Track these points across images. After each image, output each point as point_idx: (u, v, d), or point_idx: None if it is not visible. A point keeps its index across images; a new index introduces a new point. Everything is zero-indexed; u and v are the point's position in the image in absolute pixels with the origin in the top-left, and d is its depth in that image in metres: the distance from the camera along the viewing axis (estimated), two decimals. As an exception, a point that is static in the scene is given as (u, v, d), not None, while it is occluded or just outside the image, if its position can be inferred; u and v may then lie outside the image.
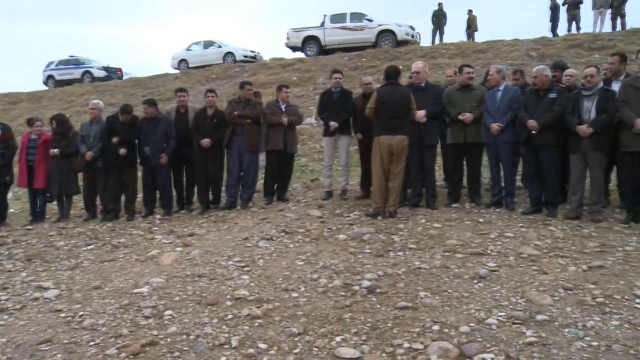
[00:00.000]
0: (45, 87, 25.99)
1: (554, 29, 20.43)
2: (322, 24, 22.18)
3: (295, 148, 8.78)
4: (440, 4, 22.58)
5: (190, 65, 23.98)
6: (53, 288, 5.39)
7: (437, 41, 22.43)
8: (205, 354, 3.66)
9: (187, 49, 25.05)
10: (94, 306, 4.74)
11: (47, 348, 3.90)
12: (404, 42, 20.91)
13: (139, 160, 8.73)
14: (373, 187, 7.18)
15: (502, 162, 7.17)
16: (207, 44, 24.69)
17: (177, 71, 23.93)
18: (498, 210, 7.03)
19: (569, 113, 6.50)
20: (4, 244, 7.52)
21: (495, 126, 6.98)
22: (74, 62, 26.64)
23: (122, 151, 8.37)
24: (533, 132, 6.62)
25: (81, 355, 3.75)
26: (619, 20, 18.52)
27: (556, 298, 4.23)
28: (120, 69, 27.16)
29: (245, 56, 24.01)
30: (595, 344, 3.46)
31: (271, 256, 5.78)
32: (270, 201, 8.44)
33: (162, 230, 7.58)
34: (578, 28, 19.97)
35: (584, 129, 6.31)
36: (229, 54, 23.85)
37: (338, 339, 3.76)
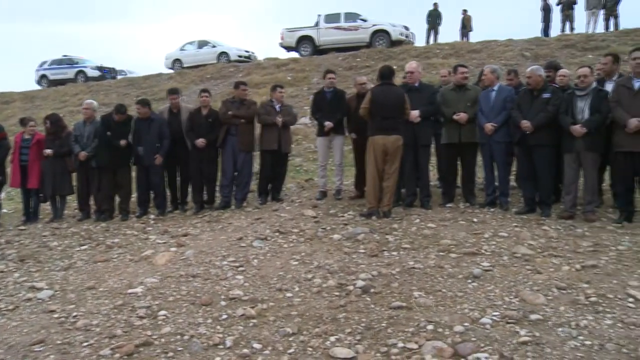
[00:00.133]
0: (38, 87, 25.85)
1: (546, 29, 20.53)
2: (317, 24, 22.16)
3: (289, 148, 8.77)
4: (435, 4, 22.64)
5: (184, 65, 23.90)
6: (46, 289, 5.37)
7: (431, 41, 22.48)
8: (199, 354, 3.66)
9: (181, 49, 24.98)
10: (88, 307, 4.72)
11: (41, 349, 3.89)
12: (398, 42, 20.92)
13: (132, 160, 8.71)
14: (367, 187, 7.18)
15: (496, 161, 7.18)
16: (201, 44, 24.64)
17: (171, 71, 23.87)
18: (492, 210, 7.05)
19: (563, 113, 6.52)
20: (-3, 245, 7.48)
21: (489, 126, 6.99)
22: (68, 62, 26.50)
23: (123, 142, 8.40)
24: (527, 132, 6.65)
25: (75, 356, 3.74)
26: (612, 21, 18.61)
27: (550, 297, 4.24)
28: (113, 69, 27.06)
29: (240, 56, 23.96)
30: (589, 343, 3.47)
31: (265, 256, 5.78)
32: (264, 201, 8.43)
33: (156, 231, 7.56)
34: (572, 28, 20.06)
35: (577, 129, 6.34)
36: (223, 53, 23.79)
37: (332, 338, 3.76)
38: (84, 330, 4.17)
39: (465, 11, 22.85)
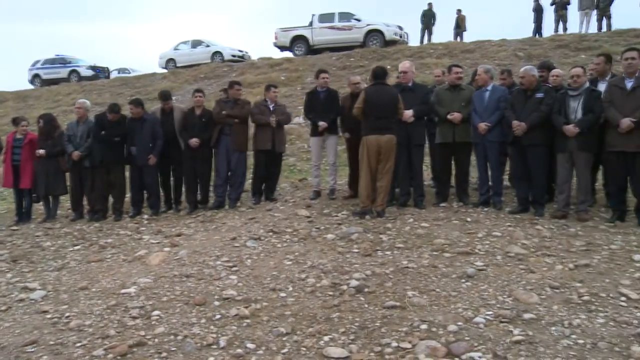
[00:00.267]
0: (31, 86, 25.73)
1: (538, 30, 20.62)
2: (311, 24, 22.15)
3: (283, 148, 8.76)
4: (430, 4, 22.70)
5: (178, 65, 23.85)
6: (39, 289, 5.34)
7: (425, 41, 22.52)
8: (193, 355, 3.64)
9: (175, 49, 24.93)
10: (81, 307, 4.70)
11: (33, 350, 3.87)
12: (392, 42, 20.95)
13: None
14: (360, 186, 7.18)
15: (490, 161, 7.20)
16: (195, 44, 24.60)
17: (165, 70, 23.81)
18: (486, 209, 7.07)
19: (556, 113, 6.55)
20: (-11, 245, 7.44)
21: (482, 125, 7.01)
22: (61, 61, 26.40)
23: (117, 138, 8.40)
24: (517, 133, 6.66)
25: (67, 357, 3.72)
26: (604, 22, 18.70)
27: (543, 296, 4.26)
28: (107, 68, 26.97)
29: (234, 55, 23.93)
30: (582, 341, 3.48)
31: (259, 256, 5.77)
32: (258, 201, 8.42)
33: (150, 231, 7.54)
34: (565, 29, 20.15)
35: (570, 129, 6.36)
36: (217, 53, 23.75)
37: (326, 338, 3.76)
38: (77, 331, 4.15)
39: (459, 11, 22.90)
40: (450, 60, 15.43)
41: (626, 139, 6.07)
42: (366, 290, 4.61)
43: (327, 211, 7.46)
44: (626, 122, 6.01)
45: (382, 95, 6.92)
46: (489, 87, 7.23)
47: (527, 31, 20.82)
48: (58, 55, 26.94)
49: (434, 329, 3.76)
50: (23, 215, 8.98)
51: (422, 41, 22.61)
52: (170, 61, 24.43)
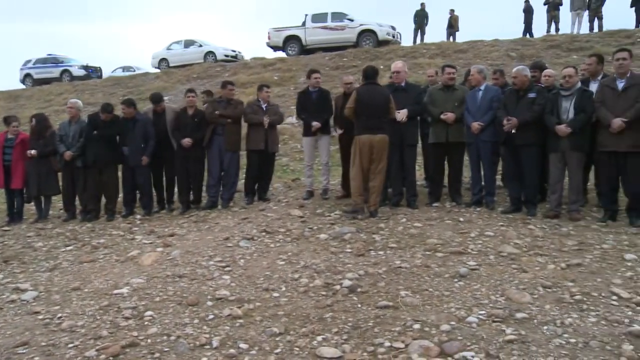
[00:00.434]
0: (22, 86, 25.58)
1: (527, 30, 20.71)
2: (304, 24, 22.16)
3: (276, 147, 8.74)
4: (422, 4, 22.75)
5: (170, 65, 23.81)
6: (31, 290, 5.31)
7: (418, 41, 22.56)
8: (186, 355, 3.63)
9: (168, 48, 24.87)
10: (73, 308, 4.68)
11: (25, 351, 3.84)
12: (385, 42, 20.99)
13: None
14: (352, 185, 7.16)
15: (483, 161, 7.21)
16: (188, 43, 24.54)
17: (158, 70, 23.74)
18: (478, 209, 7.09)
19: (548, 113, 6.57)
20: (-20, 245, 7.39)
21: (475, 125, 7.03)
22: (53, 61, 26.26)
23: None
24: (513, 131, 6.68)
25: (60, 358, 3.70)
26: (596, 22, 18.80)
27: (535, 296, 4.27)
28: (99, 68, 26.86)
29: (226, 55, 23.91)
30: (573, 340, 3.50)
31: (252, 256, 5.77)
32: (251, 201, 8.41)
33: (143, 231, 7.52)
34: (557, 29, 20.26)
35: (562, 129, 6.39)
36: (210, 53, 23.72)
37: (319, 338, 3.75)
38: (69, 332, 4.13)
39: (452, 11, 22.96)
40: (443, 61, 15.47)
41: (617, 139, 6.11)
42: (359, 290, 4.61)
43: (320, 211, 7.46)
44: (617, 122, 6.04)
45: (373, 95, 6.92)
46: (482, 87, 7.24)
47: (520, 31, 20.94)
48: (50, 54, 26.78)
49: (426, 329, 3.77)
50: (14, 215, 8.93)
51: (415, 41, 22.66)
52: (163, 61, 24.38)
